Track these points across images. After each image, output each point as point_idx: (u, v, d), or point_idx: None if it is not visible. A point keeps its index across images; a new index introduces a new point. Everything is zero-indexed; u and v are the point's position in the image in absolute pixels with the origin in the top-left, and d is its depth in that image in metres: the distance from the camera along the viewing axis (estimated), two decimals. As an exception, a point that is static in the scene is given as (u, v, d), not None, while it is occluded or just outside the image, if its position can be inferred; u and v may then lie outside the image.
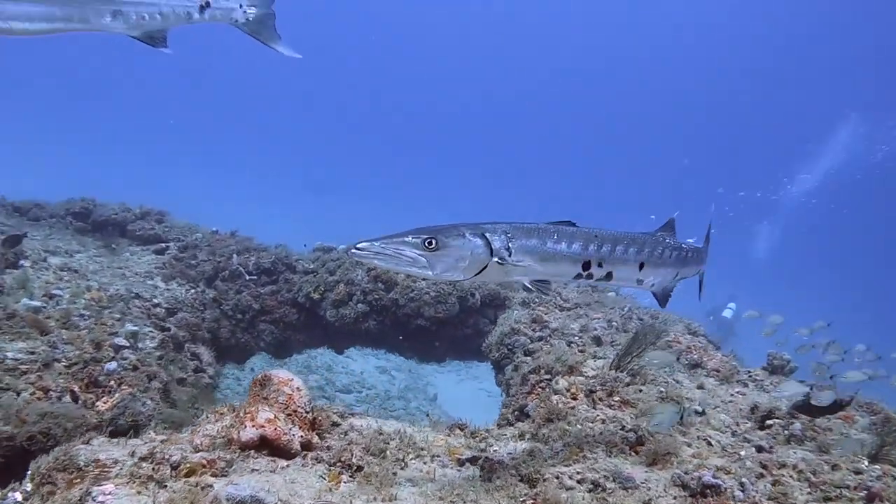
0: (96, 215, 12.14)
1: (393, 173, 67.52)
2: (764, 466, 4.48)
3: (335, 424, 4.86)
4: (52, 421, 4.88)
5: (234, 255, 11.21)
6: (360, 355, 19.95)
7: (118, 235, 12.09)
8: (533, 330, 8.59)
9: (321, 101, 70.48)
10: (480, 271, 3.68)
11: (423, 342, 10.56)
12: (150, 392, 6.12)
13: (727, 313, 23.50)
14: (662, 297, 4.59)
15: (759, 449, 4.91)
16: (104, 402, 5.41)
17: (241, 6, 5.10)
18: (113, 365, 5.87)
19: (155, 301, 9.51)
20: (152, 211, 12.67)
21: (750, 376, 7.32)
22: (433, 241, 3.52)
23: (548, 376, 6.65)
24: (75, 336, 6.26)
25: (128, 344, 6.67)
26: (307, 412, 4.45)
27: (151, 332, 8.13)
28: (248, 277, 10.96)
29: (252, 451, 4.01)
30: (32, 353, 5.73)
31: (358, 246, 3.49)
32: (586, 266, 3.97)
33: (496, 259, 3.67)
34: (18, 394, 5.17)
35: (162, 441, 4.20)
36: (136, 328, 7.00)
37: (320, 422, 4.63)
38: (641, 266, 4.20)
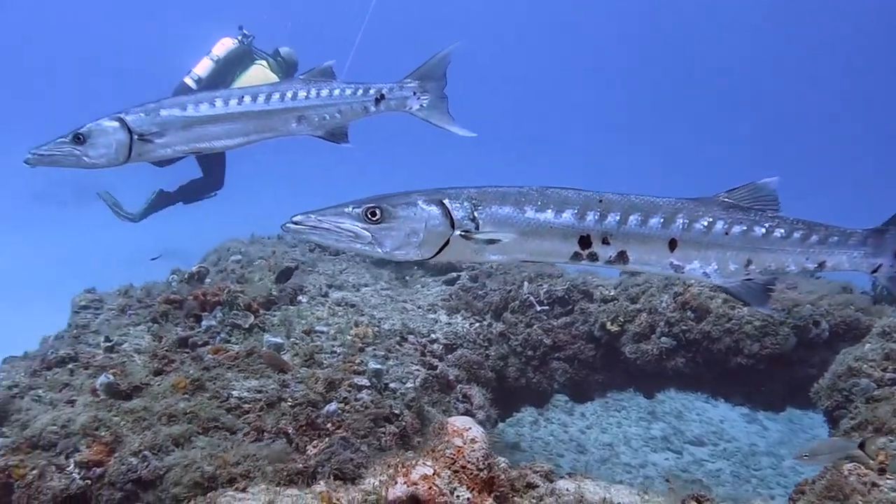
0: (392, 247, 13.33)
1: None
2: None
3: (531, 486, 4.54)
4: (254, 463, 5.36)
5: (525, 283, 11.34)
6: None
7: (414, 266, 13.12)
8: (883, 370, 7.07)
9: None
10: (441, 248, 3.43)
11: (749, 385, 9.43)
12: (377, 437, 6.38)
13: None
14: (750, 295, 3.38)
15: None
16: (314, 447, 5.81)
17: (414, 94, 5.85)
18: (333, 406, 6.28)
19: (433, 336, 10.04)
20: (448, 238, 13.49)
21: None
22: (377, 212, 3.36)
23: (879, 437, 5.39)
24: (311, 375, 6.86)
25: (368, 384, 7.11)
26: (479, 469, 4.22)
27: (417, 370, 8.58)
28: (538, 308, 10.99)
29: (400, 514, 3.93)
30: (260, 391, 6.41)
31: (293, 219, 3.43)
32: (585, 243, 3.35)
33: (458, 232, 3.36)
34: (233, 433, 5.82)
35: (319, 492, 4.34)
36: (380, 366, 7.43)
37: (501, 482, 4.34)
38: (673, 245, 3.34)
